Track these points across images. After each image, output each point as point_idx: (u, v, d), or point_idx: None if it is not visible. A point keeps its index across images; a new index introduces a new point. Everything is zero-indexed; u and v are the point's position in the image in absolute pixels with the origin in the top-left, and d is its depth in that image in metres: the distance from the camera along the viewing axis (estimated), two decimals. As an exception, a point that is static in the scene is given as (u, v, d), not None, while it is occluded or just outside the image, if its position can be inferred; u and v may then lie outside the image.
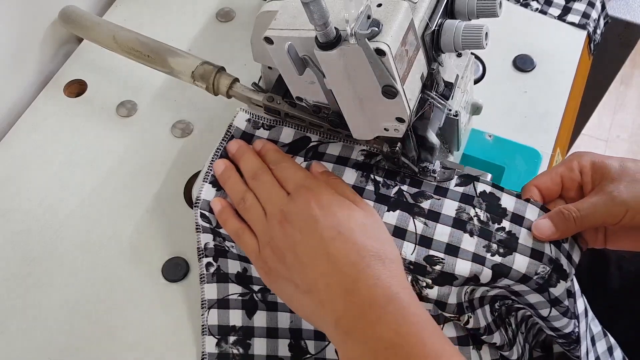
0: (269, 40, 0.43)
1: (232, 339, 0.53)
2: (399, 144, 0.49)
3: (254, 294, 0.55)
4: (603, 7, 0.78)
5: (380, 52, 0.39)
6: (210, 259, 0.55)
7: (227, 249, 0.55)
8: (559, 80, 0.71)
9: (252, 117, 0.56)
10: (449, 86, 0.49)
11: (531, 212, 0.48)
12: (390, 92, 0.41)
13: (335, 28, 0.39)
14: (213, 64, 0.58)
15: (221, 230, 0.52)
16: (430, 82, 0.47)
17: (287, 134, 0.55)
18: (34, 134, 0.67)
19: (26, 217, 0.62)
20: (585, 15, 0.75)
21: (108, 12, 0.77)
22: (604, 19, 0.79)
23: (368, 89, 0.42)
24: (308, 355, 0.54)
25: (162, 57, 0.60)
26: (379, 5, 0.41)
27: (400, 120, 0.45)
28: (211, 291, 0.54)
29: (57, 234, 0.61)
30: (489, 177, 0.52)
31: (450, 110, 0.51)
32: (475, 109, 0.60)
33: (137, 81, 0.71)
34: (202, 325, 0.53)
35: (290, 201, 0.47)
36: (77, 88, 0.71)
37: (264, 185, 0.50)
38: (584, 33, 0.75)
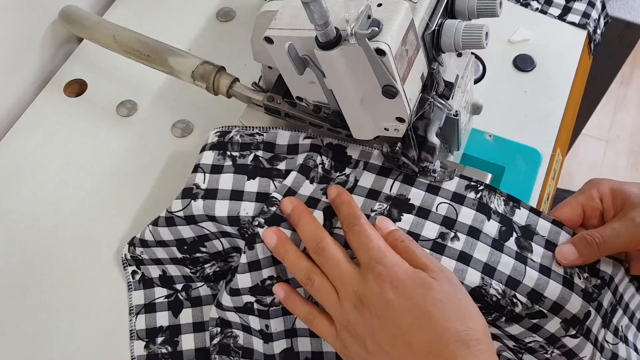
0: (269, 40, 0.43)
1: (159, 339, 0.54)
2: (399, 144, 0.49)
3: (178, 293, 0.56)
4: (603, 7, 0.78)
5: (380, 52, 0.39)
6: (134, 267, 0.57)
7: (140, 258, 0.57)
8: (559, 80, 0.71)
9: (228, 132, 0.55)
10: (449, 86, 0.49)
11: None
12: (390, 92, 0.41)
13: (336, 28, 0.39)
14: (213, 64, 0.58)
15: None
16: (430, 82, 0.47)
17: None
18: (34, 133, 0.67)
19: (26, 217, 0.62)
20: (586, 15, 0.75)
21: (108, 12, 0.77)
22: (604, 18, 0.79)
23: (368, 88, 0.42)
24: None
25: (162, 56, 0.60)
26: (379, 5, 0.41)
27: (400, 120, 0.45)
28: (138, 297, 0.56)
29: (57, 234, 0.61)
30: (489, 177, 0.52)
31: (450, 110, 0.51)
32: (476, 109, 0.60)
33: (137, 81, 0.71)
34: (131, 331, 0.55)
35: (363, 281, 0.44)
36: (77, 88, 0.71)
37: (329, 263, 0.46)
38: (584, 33, 0.75)
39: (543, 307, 0.46)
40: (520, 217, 0.50)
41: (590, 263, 0.48)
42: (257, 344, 0.53)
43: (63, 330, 0.56)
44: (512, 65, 0.72)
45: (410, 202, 0.50)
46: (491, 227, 0.49)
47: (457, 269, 0.46)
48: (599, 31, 0.77)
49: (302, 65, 0.43)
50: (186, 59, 0.59)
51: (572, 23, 0.75)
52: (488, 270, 0.47)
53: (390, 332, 0.42)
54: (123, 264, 0.57)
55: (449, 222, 0.49)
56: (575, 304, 0.46)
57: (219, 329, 0.54)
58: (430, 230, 0.48)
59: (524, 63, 0.72)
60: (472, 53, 0.55)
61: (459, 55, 0.54)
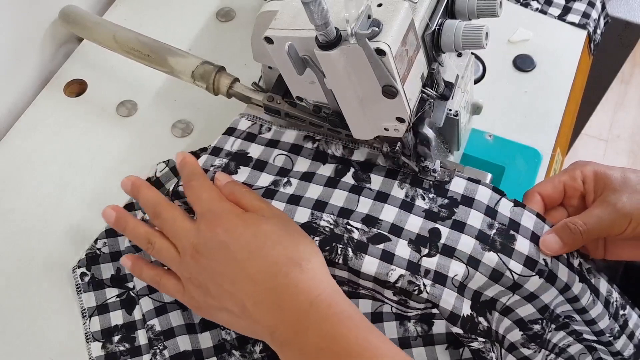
0: (269, 40, 0.43)
1: (116, 338, 0.55)
2: (399, 144, 0.49)
3: (130, 291, 0.57)
4: (603, 7, 0.78)
5: (380, 52, 0.39)
6: (83, 269, 0.58)
7: (98, 253, 0.58)
8: (559, 80, 0.71)
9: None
10: (449, 86, 0.49)
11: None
12: (390, 92, 0.41)
13: (336, 28, 0.39)
14: (213, 64, 0.58)
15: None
16: (430, 82, 0.47)
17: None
18: (34, 133, 0.67)
19: (26, 217, 0.62)
20: (585, 15, 0.75)
21: (108, 12, 0.77)
22: (604, 18, 0.79)
23: (368, 88, 0.42)
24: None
25: (162, 56, 0.60)
26: (379, 5, 0.41)
27: (400, 120, 0.45)
28: (89, 299, 0.57)
29: (57, 233, 0.61)
30: (489, 177, 0.52)
31: (450, 109, 0.51)
32: (476, 109, 0.60)
33: (137, 81, 0.71)
34: (86, 334, 0.55)
35: (197, 232, 0.47)
36: (77, 88, 0.71)
37: (166, 222, 0.49)
38: (584, 33, 0.75)
39: (381, 229, 0.48)
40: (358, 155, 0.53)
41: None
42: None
43: (63, 330, 0.56)
44: (512, 65, 0.72)
45: (249, 155, 0.55)
46: (327, 169, 0.53)
47: (287, 210, 0.50)
48: (598, 31, 0.77)
49: (302, 65, 0.43)
50: (186, 59, 0.59)
51: (572, 23, 0.75)
52: (319, 205, 0.50)
53: (229, 271, 0.45)
54: (73, 268, 0.58)
55: (283, 171, 0.53)
56: (415, 223, 0.48)
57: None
58: (265, 180, 0.53)
59: (524, 63, 0.72)
60: (472, 53, 0.55)
61: (459, 55, 0.54)
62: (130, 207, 0.61)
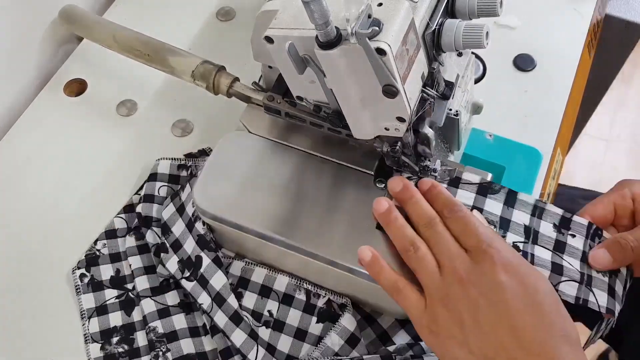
0: (269, 40, 0.43)
1: (115, 339, 0.55)
2: (399, 144, 0.49)
3: (129, 292, 0.57)
4: None
5: (380, 52, 0.39)
6: (82, 270, 0.58)
7: (97, 255, 0.58)
8: (560, 80, 0.71)
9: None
10: (450, 85, 0.49)
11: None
12: (390, 91, 0.41)
13: (336, 27, 0.39)
14: (213, 63, 0.58)
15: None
16: (430, 81, 0.47)
17: None
18: (34, 133, 0.67)
19: (26, 217, 0.62)
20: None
21: (108, 11, 0.77)
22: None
23: (369, 88, 0.42)
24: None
25: (162, 56, 0.60)
26: (380, 4, 0.41)
27: (400, 119, 0.45)
28: (88, 301, 0.57)
29: (57, 234, 0.61)
30: (489, 176, 0.52)
31: (450, 109, 0.51)
32: (476, 109, 0.60)
33: (137, 80, 0.71)
34: (85, 335, 0.55)
35: (472, 262, 0.43)
36: (77, 87, 0.71)
37: (441, 238, 0.45)
38: (584, 33, 0.75)
39: None
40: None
41: None
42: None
43: (63, 330, 0.56)
44: (513, 65, 0.72)
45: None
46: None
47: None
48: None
49: (302, 64, 0.43)
50: (186, 59, 0.59)
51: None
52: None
53: (496, 312, 0.41)
54: (73, 269, 0.58)
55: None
56: None
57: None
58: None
59: (524, 63, 0.72)
60: (472, 53, 0.55)
61: (460, 54, 0.54)
62: (130, 207, 0.61)
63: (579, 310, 0.51)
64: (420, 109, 0.47)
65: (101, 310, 0.56)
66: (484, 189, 0.50)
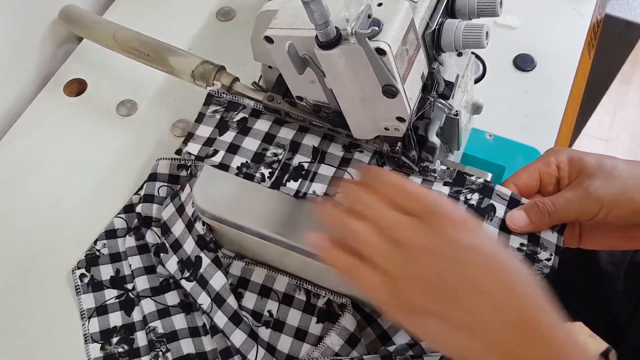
0: (269, 40, 0.43)
1: (115, 339, 0.55)
2: (399, 144, 0.49)
3: (129, 292, 0.57)
4: None
5: (380, 52, 0.39)
6: (82, 270, 0.58)
7: (97, 255, 0.58)
8: (559, 80, 0.71)
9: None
10: (450, 85, 0.49)
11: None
12: (390, 91, 0.41)
13: (336, 27, 0.39)
14: (213, 63, 0.58)
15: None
16: (430, 81, 0.47)
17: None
18: (34, 133, 0.67)
19: (26, 217, 0.62)
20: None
21: (108, 11, 0.77)
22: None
23: (368, 88, 0.42)
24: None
25: (162, 56, 0.60)
26: (380, 4, 0.41)
27: (400, 119, 0.45)
28: (88, 301, 0.57)
29: (57, 234, 0.61)
30: (489, 176, 0.52)
31: (450, 109, 0.51)
32: (476, 109, 0.60)
33: (137, 80, 0.71)
34: (85, 335, 0.55)
35: (423, 226, 0.40)
36: (77, 87, 0.71)
37: (378, 209, 0.41)
38: (584, 33, 0.75)
39: None
40: None
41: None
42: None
43: (63, 330, 0.56)
44: (513, 64, 0.72)
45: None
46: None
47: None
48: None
49: (302, 64, 0.43)
50: (186, 59, 0.59)
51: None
52: None
53: (470, 275, 0.38)
54: (73, 269, 0.58)
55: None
56: None
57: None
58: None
59: (524, 63, 0.72)
60: (472, 52, 0.55)
61: (459, 54, 0.54)
62: (129, 207, 0.61)
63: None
64: (420, 109, 0.47)
65: (101, 310, 0.56)
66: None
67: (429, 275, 0.39)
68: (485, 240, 0.40)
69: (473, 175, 0.50)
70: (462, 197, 0.49)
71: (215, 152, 0.52)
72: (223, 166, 0.51)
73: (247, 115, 0.54)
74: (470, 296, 0.38)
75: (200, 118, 0.55)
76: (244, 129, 0.54)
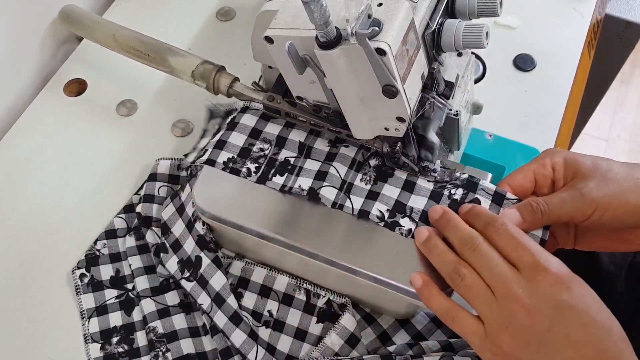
0: (269, 40, 0.43)
1: (115, 339, 0.55)
2: (399, 144, 0.49)
3: (129, 292, 0.57)
4: None
5: (380, 52, 0.39)
6: (82, 270, 0.58)
7: (97, 255, 0.58)
8: (559, 80, 0.71)
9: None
10: (450, 86, 0.49)
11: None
12: (390, 91, 0.41)
13: (336, 27, 0.39)
14: (213, 63, 0.58)
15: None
16: (430, 81, 0.47)
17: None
18: (34, 133, 0.67)
19: (26, 217, 0.62)
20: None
21: (108, 11, 0.77)
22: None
23: (368, 88, 0.42)
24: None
25: (162, 56, 0.60)
26: (380, 4, 0.41)
27: (400, 119, 0.45)
28: (88, 301, 0.57)
29: (57, 233, 0.61)
30: (489, 176, 0.52)
31: (450, 109, 0.51)
32: (476, 109, 0.60)
33: (137, 80, 0.71)
34: (85, 335, 0.55)
35: (528, 280, 0.41)
36: (77, 87, 0.71)
37: (487, 259, 0.43)
38: (584, 33, 0.75)
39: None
40: None
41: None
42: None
43: (63, 330, 0.56)
44: (512, 65, 0.72)
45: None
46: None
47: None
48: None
49: (302, 64, 0.43)
50: (186, 59, 0.59)
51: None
52: None
53: (565, 332, 0.40)
54: (73, 269, 0.58)
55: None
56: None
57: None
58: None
59: (524, 63, 0.72)
60: (472, 53, 0.55)
61: (459, 54, 0.54)
62: (129, 207, 0.61)
63: None
64: (420, 109, 0.47)
65: (101, 310, 0.56)
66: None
67: (530, 332, 0.41)
68: (587, 300, 0.41)
69: (458, 171, 0.50)
70: (445, 192, 0.50)
71: (205, 151, 0.53)
72: (210, 161, 0.52)
73: (235, 114, 0.55)
74: (561, 349, 0.40)
75: (202, 134, 0.57)
76: (230, 124, 0.54)
